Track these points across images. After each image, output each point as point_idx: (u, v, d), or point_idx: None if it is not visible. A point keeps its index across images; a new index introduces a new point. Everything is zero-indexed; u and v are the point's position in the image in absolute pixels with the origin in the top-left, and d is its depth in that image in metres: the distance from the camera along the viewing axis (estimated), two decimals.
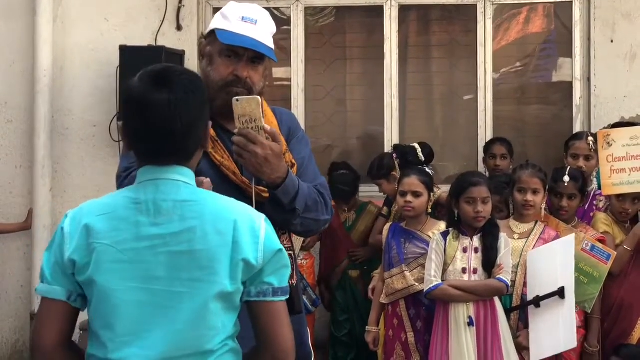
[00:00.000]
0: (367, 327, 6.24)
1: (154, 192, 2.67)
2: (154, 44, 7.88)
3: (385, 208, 7.24)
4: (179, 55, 7.80)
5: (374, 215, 7.40)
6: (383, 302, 6.11)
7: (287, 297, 2.76)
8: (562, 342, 5.39)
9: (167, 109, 2.62)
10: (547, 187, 5.94)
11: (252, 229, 2.68)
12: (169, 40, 7.94)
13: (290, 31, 8.27)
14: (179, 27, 8.03)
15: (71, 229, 2.67)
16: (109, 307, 2.63)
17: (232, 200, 2.77)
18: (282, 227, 3.48)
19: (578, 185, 5.99)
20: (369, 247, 7.31)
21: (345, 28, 8.62)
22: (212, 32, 3.50)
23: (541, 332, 5.41)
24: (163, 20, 8.00)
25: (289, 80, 8.33)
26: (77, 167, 8.06)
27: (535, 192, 5.79)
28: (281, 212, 3.40)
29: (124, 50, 7.60)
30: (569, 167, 6.17)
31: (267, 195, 3.40)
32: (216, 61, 3.47)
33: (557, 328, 5.34)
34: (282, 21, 8.19)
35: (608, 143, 6.16)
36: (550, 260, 5.43)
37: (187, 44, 8.00)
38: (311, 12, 8.43)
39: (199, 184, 2.83)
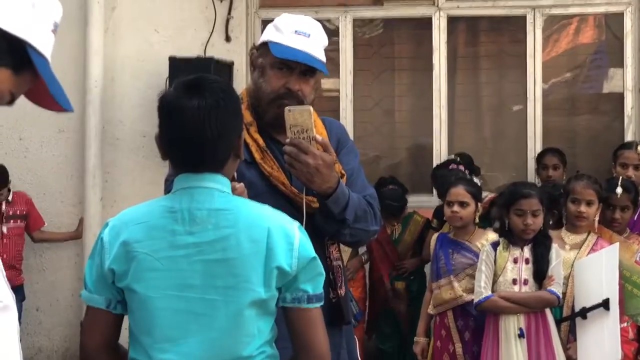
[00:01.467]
0: (415, 337, 6.23)
1: (188, 201, 2.69)
2: (203, 55, 7.91)
3: (435, 220, 7.23)
4: (228, 66, 7.84)
5: (420, 225, 7.41)
6: (431, 312, 6.09)
7: (322, 303, 2.77)
8: (607, 354, 5.34)
9: (197, 116, 2.64)
10: (602, 199, 5.89)
11: (286, 236, 2.70)
12: (218, 51, 7.96)
13: (339, 42, 8.28)
14: (227, 38, 8.06)
15: (110, 238, 2.72)
16: (147, 314, 2.67)
17: (267, 207, 2.79)
18: (331, 237, 3.49)
19: (631, 197, 5.94)
20: (416, 259, 7.32)
21: (393, 39, 8.62)
22: (265, 43, 3.50)
23: (588, 343, 5.37)
24: (212, 32, 8.03)
25: (337, 91, 8.33)
26: (126, 177, 8.12)
27: (589, 203, 5.73)
28: (331, 222, 3.41)
29: (173, 61, 7.64)
30: (621, 177, 6.11)
31: (316, 205, 3.40)
32: (268, 73, 3.48)
33: (602, 339, 5.29)
34: (330, 32, 8.18)
35: None
36: (597, 270, 5.38)
37: (235, 54, 8.03)
38: (359, 24, 8.44)
39: (232, 190, 2.85)
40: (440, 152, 8.17)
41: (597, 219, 5.84)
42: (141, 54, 8.09)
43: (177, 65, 7.59)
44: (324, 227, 3.42)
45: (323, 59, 3.52)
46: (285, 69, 3.45)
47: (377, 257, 7.48)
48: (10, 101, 2.35)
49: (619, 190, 5.88)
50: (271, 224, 2.70)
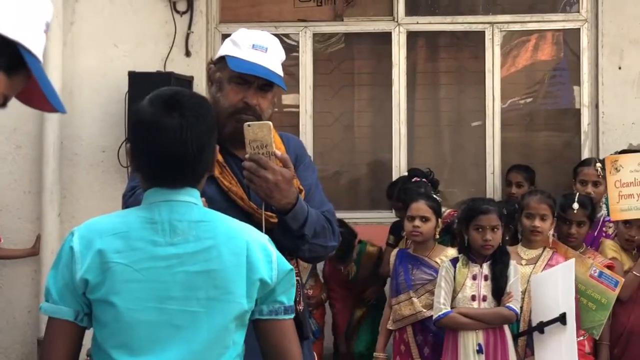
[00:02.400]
0: (375, 353, 6.23)
1: (168, 213, 2.67)
2: (162, 70, 7.90)
3: (391, 236, 7.23)
4: (188, 81, 7.82)
5: (374, 256, 7.33)
6: (390, 328, 6.09)
7: (294, 315, 2.79)
8: None
9: (178, 133, 2.63)
10: (556, 214, 5.94)
11: (263, 249, 2.71)
12: (178, 66, 7.95)
13: (299, 57, 8.28)
14: (187, 53, 8.05)
15: (81, 248, 2.64)
16: (124, 326, 2.62)
17: (241, 222, 2.79)
18: (290, 253, 3.49)
19: (587, 212, 6.00)
20: (375, 287, 7.35)
21: (353, 54, 8.65)
22: (222, 58, 3.51)
23: (546, 357, 5.40)
24: (172, 47, 8.02)
25: (297, 106, 8.34)
26: (85, 193, 8.06)
27: (543, 218, 5.80)
28: (290, 238, 3.41)
29: (133, 76, 7.62)
30: (578, 193, 6.17)
31: (275, 220, 3.40)
32: (225, 88, 3.47)
33: (560, 353, 5.32)
34: (290, 47, 8.20)
35: (616, 169, 6.16)
36: (553, 285, 5.42)
37: (195, 70, 8.01)
38: (319, 39, 8.44)
39: None
40: (399, 167, 8.18)
41: (551, 233, 5.90)
42: (100, 69, 8.04)
43: (136, 80, 7.57)
44: (282, 243, 3.38)
45: (280, 73, 3.53)
46: (243, 84, 3.45)
47: (337, 297, 7.47)
48: (3, 103, 2.32)
49: (575, 205, 5.95)
50: (249, 237, 2.71)
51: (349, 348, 7.42)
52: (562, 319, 5.28)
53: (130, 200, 3.36)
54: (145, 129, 2.69)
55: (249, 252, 2.67)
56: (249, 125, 3.25)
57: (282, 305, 2.73)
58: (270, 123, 3.28)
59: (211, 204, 3.09)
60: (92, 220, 2.74)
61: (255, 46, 3.46)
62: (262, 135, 3.24)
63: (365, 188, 8.39)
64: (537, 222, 5.78)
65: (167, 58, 8.00)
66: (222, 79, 3.49)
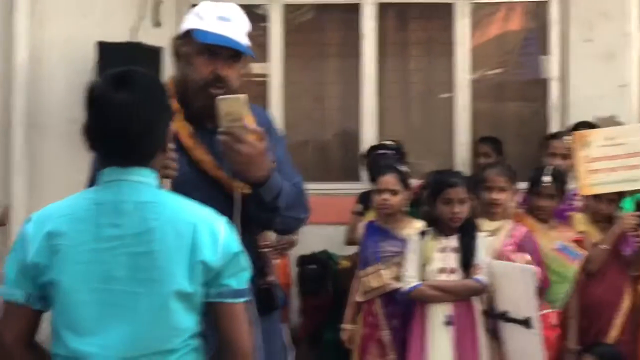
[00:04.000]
0: (342, 325, 6.24)
1: (114, 194, 2.69)
2: (131, 41, 7.83)
3: (359, 205, 7.23)
4: (157, 52, 7.75)
5: (349, 270, 7.10)
6: (358, 300, 6.11)
7: (247, 299, 2.80)
8: None
9: (125, 110, 2.65)
10: (529, 186, 6.05)
11: (211, 231, 2.71)
12: (147, 36, 7.88)
13: (268, 28, 8.24)
14: (157, 24, 7.99)
15: (33, 232, 2.70)
16: (70, 307, 2.66)
17: (193, 202, 2.79)
18: (263, 225, 3.50)
19: (558, 186, 6.03)
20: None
21: (323, 25, 8.62)
22: (187, 32, 3.49)
23: (513, 347, 5.42)
24: (142, 17, 7.95)
25: (265, 76, 8.30)
26: (54, 164, 8.00)
27: (501, 190, 5.83)
28: (264, 211, 3.41)
29: (102, 47, 7.56)
30: (550, 166, 6.19)
31: (248, 190, 3.39)
32: (194, 61, 3.46)
33: (525, 353, 5.34)
34: (260, 18, 8.17)
35: (584, 144, 6.18)
36: (513, 283, 5.38)
37: (165, 40, 7.75)
38: (289, 9, 8.41)
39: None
40: (369, 139, 8.18)
41: (513, 204, 5.93)
42: (69, 39, 7.96)
43: (105, 50, 7.52)
44: (256, 216, 3.43)
45: (247, 43, 3.52)
46: (211, 56, 3.43)
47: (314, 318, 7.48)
48: None
49: (546, 178, 5.97)
50: (197, 218, 2.71)
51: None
52: (526, 323, 5.26)
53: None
54: (95, 105, 2.72)
55: (195, 234, 2.68)
56: (222, 99, 3.25)
57: (230, 288, 2.74)
58: (245, 96, 3.28)
59: (183, 176, 3.10)
60: (49, 205, 2.79)
61: (220, 18, 3.45)
62: (236, 108, 3.23)
63: (334, 159, 8.40)
64: (495, 195, 5.81)
65: (136, 28, 7.93)
66: (190, 52, 3.47)
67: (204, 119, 3.44)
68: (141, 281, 2.64)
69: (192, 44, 3.46)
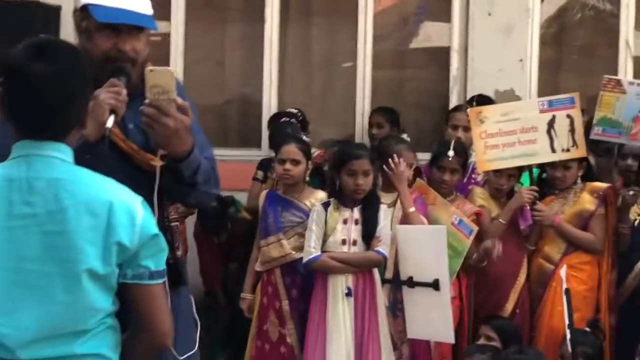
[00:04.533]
0: (242, 294, 6.23)
1: (27, 170, 2.61)
2: None
3: (260, 172, 7.19)
4: (56, 11, 7.55)
5: (245, 223, 7.06)
6: (258, 269, 6.10)
7: (164, 280, 2.76)
8: (438, 333, 5.51)
9: (45, 81, 2.56)
10: (432, 160, 6.14)
11: (128, 211, 2.65)
12: None
13: None
14: None
15: None
16: None
17: (110, 181, 2.72)
18: (177, 199, 3.45)
19: (461, 160, 6.10)
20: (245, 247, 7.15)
21: None
22: (85, 6, 3.32)
23: (416, 313, 5.49)
24: None
25: (167, 35, 8.17)
26: None
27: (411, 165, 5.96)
28: (181, 186, 3.35)
29: None
30: (454, 141, 6.24)
31: (157, 163, 3.32)
32: (94, 37, 3.29)
33: (431, 317, 5.40)
34: None
35: (481, 120, 6.23)
36: (421, 243, 5.46)
37: None
38: None
39: None
40: (270, 105, 8.15)
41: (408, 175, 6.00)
42: None
43: (1, 8, 7.27)
44: (172, 190, 3.37)
45: (149, 11, 3.38)
46: (112, 30, 3.28)
47: (206, 251, 7.38)
48: None
49: (450, 153, 6.03)
50: (114, 198, 2.64)
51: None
52: (435, 285, 5.34)
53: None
54: (12, 74, 2.61)
55: (111, 213, 2.61)
56: (151, 71, 3.16)
57: (148, 270, 2.69)
58: (173, 70, 3.22)
59: (89, 148, 3.01)
60: None
61: None
62: (164, 81, 3.15)
63: (234, 126, 8.35)
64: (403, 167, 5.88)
65: None
66: (90, 27, 3.30)
67: None
68: (54, 261, 2.56)
69: (91, 19, 3.29)
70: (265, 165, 7.12)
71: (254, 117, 8.15)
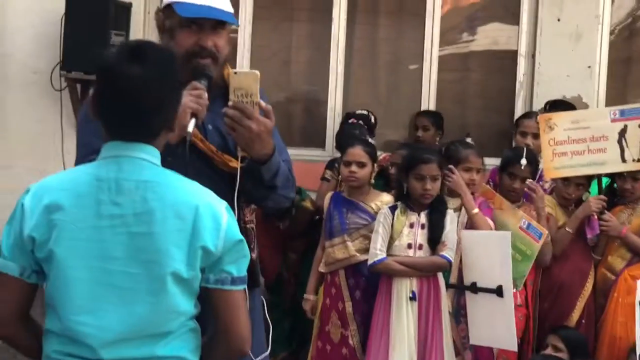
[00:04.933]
0: (304, 295, 6.25)
1: (116, 170, 2.64)
2: None
3: (328, 171, 7.17)
4: (126, 7, 7.67)
5: (308, 213, 7.00)
6: (322, 270, 6.11)
7: (245, 285, 2.76)
8: (501, 340, 5.47)
9: (137, 83, 2.59)
10: (502, 166, 6.14)
11: (214, 216, 2.67)
12: None
13: None
14: None
15: (32, 205, 2.65)
16: (65, 283, 2.61)
17: (196, 184, 2.74)
18: (255, 202, 3.47)
19: (532, 169, 6.09)
20: (303, 241, 7.10)
21: None
22: (169, 5, 3.39)
23: (479, 319, 5.46)
24: None
25: (234, 35, 8.19)
26: (15, 114, 7.91)
27: (478, 171, 5.95)
28: (260, 188, 3.37)
29: None
30: (526, 149, 6.22)
31: (234, 164, 3.34)
32: (177, 34, 3.37)
33: (494, 323, 5.38)
34: None
35: (550, 127, 6.19)
36: (487, 250, 5.44)
37: None
38: None
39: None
40: (335, 106, 8.17)
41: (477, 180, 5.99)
42: None
43: (74, 3, 7.40)
44: (251, 193, 3.39)
45: (230, 9, 3.44)
46: (195, 27, 3.34)
47: (265, 243, 7.33)
48: None
49: (523, 161, 6.00)
50: (200, 201, 2.66)
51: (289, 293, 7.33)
52: (498, 291, 5.32)
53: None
54: (105, 75, 2.66)
55: (197, 217, 2.63)
56: (235, 73, 3.20)
57: (230, 275, 2.70)
58: (257, 73, 3.23)
59: (168, 149, 3.04)
60: (48, 177, 2.74)
61: None
62: (248, 84, 3.18)
63: (299, 125, 8.35)
64: (475, 175, 5.88)
65: None
66: (173, 25, 3.38)
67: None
68: (140, 262, 2.60)
69: (174, 17, 3.36)
70: (333, 164, 7.12)
71: (318, 117, 8.16)
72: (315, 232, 6.76)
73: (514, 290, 5.73)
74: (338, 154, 6.92)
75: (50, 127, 7.82)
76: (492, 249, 5.41)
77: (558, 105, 7.12)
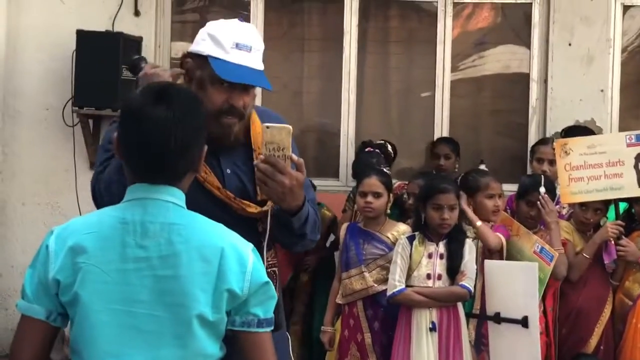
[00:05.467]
0: (322, 327, 6.22)
1: (142, 213, 2.62)
2: (110, 29, 7.74)
3: (349, 204, 7.15)
4: (137, 42, 7.71)
5: (327, 221, 7.13)
6: (339, 302, 6.08)
7: (272, 328, 2.73)
8: None
9: (162, 126, 2.58)
10: (520, 193, 6.13)
11: (239, 258, 2.65)
12: (126, 25, 7.80)
13: (249, 20, 8.15)
14: (136, 13, 7.90)
15: (56, 248, 2.62)
16: (90, 327, 2.59)
17: (221, 226, 2.72)
18: (283, 246, 3.48)
19: (551, 197, 6.04)
20: (317, 255, 7.18)
21: (304, 20, 8.54)
22: (202, 56, 3.32)
23: (502, 350, 5.43)
24: (121, 5, 7.85)
25: None
26: (27, 151, 7.94)
27: (500, 196, 5.91)
28: (289, 236, 3.37)
29: (81, 35, 7.48)
30: (543, 177, 6.21)
31: (252, 209, 3.34)
32: (208, 88, 3.30)
33: (517, 354, 5.35)
34: (241, 6, 8.10)
35: (565, 152, 6.19)
36: (511, 281, 5.43)
37: (144, 30, 7.89)
38: (271, 4, 8.32)
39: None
40: (347, 135, 8.16)
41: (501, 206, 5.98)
42: (46, 26, 7.89)
43: (84, 39, 7.48)
44: (280, 239, 3.41)
45: (262, 68, 3.40)
46: (227, 84, 3.28)
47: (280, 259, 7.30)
48: None
49: (542, 189, 5.98)
50: (225, 244, 2.64)
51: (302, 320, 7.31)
52: (523, 322, 5.27)
53: (99, 181, 3.31)
54: (131, 118, 2.65)
55: (222, 260, 2.61)
56: (267, 127, 3.17)
57: (256, 317, 2.68)
58: (290, 127, 3.20)
59: (188, 195, 3.01)
60: (72, 220, 2.72)
61: (240, 45, 3.28)
62: (280, 138, 3.16)
63: (312, 155, 8.31)
64: (498, 201, 5.85)
65: (115, 17, 7.83)
66: (204, 78, 3.31)
67: (216, 147, 3.23)
68: (165, 305, 2.57)
69: (207, 71, 3.29)
70: (353, 197, 7.13)
71: (331, 147, 8.15)
72: (329, 250, 6.96)
73: (542, 309, 5.75)
74: (353, 183, 6.93)
75: (63, 163, 7.85)
76: (517, 279, 5.40)
77: (574, 131, 7.10)
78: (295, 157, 3.20)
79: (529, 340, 5.27)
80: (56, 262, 2.60)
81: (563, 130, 7.39)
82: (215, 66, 3.27)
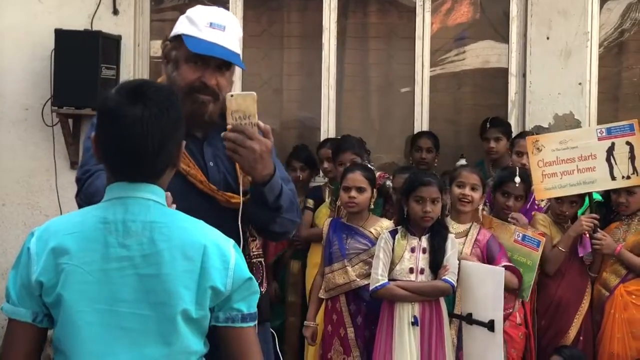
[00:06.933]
0: (305, 322, 6.23)
1: (123, 212, 2.62)
2: (89, 28, 7.71)
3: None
4: (116, 41, 7.70)
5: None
6: (322, 297, 6.09)
7: (255, 322, 2.74)
8: None
9: (138, 124, 2.58)
10: (496, 185, 6.15)
11: (222, 255, 2.66)
12: (105, 24, 7.77)
13: None
14: (115, 12, 7.87)
15: (37, 249, 2.62)
16: (74, 328, 2.59)
17: (202, 223, 2.73)
18: (262, 227, 3.45)
19: (526, 187, 6.10)
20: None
21: (283, 17, 8.54)
22: (179, 36, 3.40)
23: (473, 350, 5.47)
24: (99, 4, 7.83)
25: None
26: (7, 151, 7.89)
27: (473, 188, 5.87)
28: (265, 211, 3.36)
29: (60, 34, 7.45)
30: (519, 168, 6.24)
31: (236, 200, 3.35)
32: (182, 67, 3.39)
33: (486, 356, 5.35)
34: (220, 4, 8.08)
35: (537, 148, 6.24)
36: (481, 284, 5.43)
37: (123, 28, 7.86)
38: (250, 1, 8.32)
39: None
40: (327, 131, 8.16)
41: (481, 208, 5.98)
42: (24, 25, 7.84)
43: (63, 38, 7.43)
44: (257, 217, 3.38)
45: (239, 51, 3.44)
46: (200, 63, 3.36)
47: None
48: None
49: (517, 179, 6.01)
50: (207, 241, 2.65)
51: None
52: (490, 326, 5.28)
53: (85, 185, 3.30)
54: (107, 117, 2.65)
55: (205, 257, 2.62)
56: (232, 96, 3.18)
57: (240, 313, 2.69)
58: (255, 94, 3.21)
59: (169, 189, 3.02)
60: (53, 220, 2.72)
61: (213, 24, 3.36)
62: (246, 105, 3.17)
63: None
64: (467, 191, 5.83)
65: (94, 16, 7.80)
66: (179, 57, 3.40)
67: (190, 126, 3.23)
68: (149, 304, 2.58)
69: (182, 50, 3.38)
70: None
71: (312, 144, 8.14)
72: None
73: (521, 301, 5.76)
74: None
75: (43, 163, 7.81)
76: (487, 282, 5.40)
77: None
78: (262, 123, 3.21)
79: (494, 344, 5.27)
80: (38, 264, 2.60)
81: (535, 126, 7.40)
82: (187, 42, 3.34)
